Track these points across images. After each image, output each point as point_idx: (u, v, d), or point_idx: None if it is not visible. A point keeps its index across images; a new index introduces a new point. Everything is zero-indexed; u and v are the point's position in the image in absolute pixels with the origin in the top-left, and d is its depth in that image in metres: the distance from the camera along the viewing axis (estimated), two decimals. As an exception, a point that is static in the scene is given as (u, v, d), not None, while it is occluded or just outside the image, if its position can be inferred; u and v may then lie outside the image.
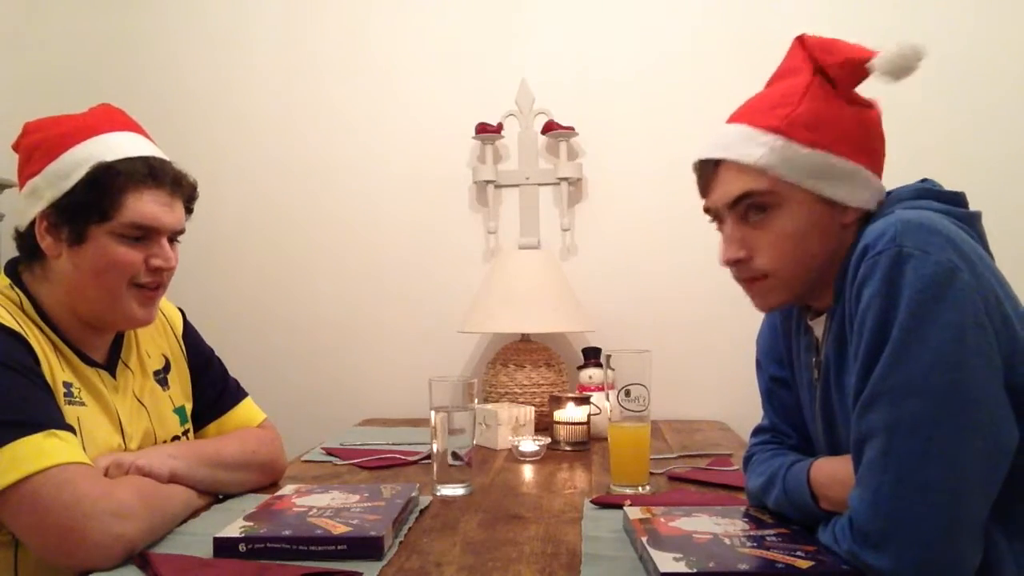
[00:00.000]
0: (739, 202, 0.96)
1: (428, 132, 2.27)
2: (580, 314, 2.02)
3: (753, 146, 0.94)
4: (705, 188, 1.02)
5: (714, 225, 1.05)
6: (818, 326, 1.02)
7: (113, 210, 1.09)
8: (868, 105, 0.97)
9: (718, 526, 0.99)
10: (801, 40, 0.99)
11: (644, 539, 0.93)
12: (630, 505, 1.11)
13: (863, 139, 0.96)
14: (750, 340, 1.97)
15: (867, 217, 0.96)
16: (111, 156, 1.10)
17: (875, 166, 0.97)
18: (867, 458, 0.82)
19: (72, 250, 1.10)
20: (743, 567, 0.84)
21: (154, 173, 1.12)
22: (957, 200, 0.93)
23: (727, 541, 0.93)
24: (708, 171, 1.00)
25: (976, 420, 0.78)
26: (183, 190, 1.18)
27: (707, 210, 1.03)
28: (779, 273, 0.96)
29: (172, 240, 1.18)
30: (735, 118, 1.00)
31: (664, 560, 0.85)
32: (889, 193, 0.97)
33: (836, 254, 0.95)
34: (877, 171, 0.97)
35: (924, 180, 0.97)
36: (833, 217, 0.95)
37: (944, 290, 0.79)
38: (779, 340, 1.15)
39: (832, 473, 0.94)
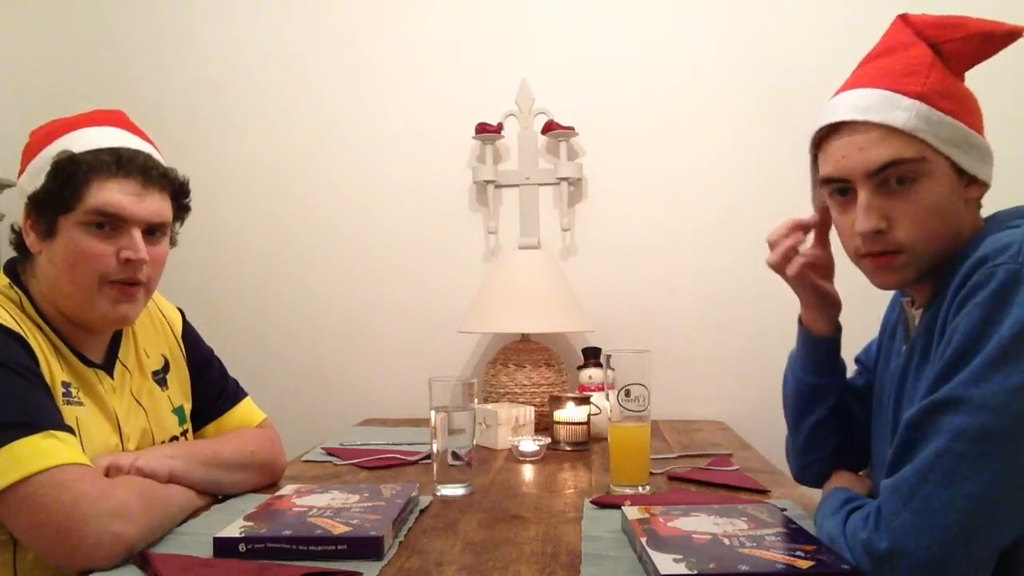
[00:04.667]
0: (884, 170, 0.91)
1: (428, 132, 2.27)
2: (580, 314, 2.02)
3: (897, 110, 0.90)
4: (829, 156, 0.96)
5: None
6: (917, 316, 1.01)
7: (76, 199, 1.08)
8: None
9: (717, 526, 0.99)
10: (905, 19, 0.96)
11: (643, 540, 0.93)
12: (629, 505, 1.10)
13: (978, 114, 0.95)
14: (750, 340, 1.97)
15: (979, 206, 0.96)
16: (78, 148, 1.10)
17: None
18: (920, 454, 0.81)
19: (47, 244, 1.11)
20: (743, 568, 0.84)
21: (121, 162, 1.10)
22: None
23: (726, 541, 0.93)
24: (836, 136, 0.95)
25: None
26: (159, 182, 1.14)
27: (829, 180, 0.97)
28: (915, 248, 0.92)
29: (154, 234, 1.15)
30: (866, 82, 0.95)
31: (664, 561, 0.85)
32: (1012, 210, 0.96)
33: (961, 234, 0.93)
34: None
35: None
36: (961, 192, 0.93)
37: None
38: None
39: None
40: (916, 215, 0.91)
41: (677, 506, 1.10)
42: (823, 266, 1.13)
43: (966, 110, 0.93)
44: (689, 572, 0.83)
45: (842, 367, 1.17)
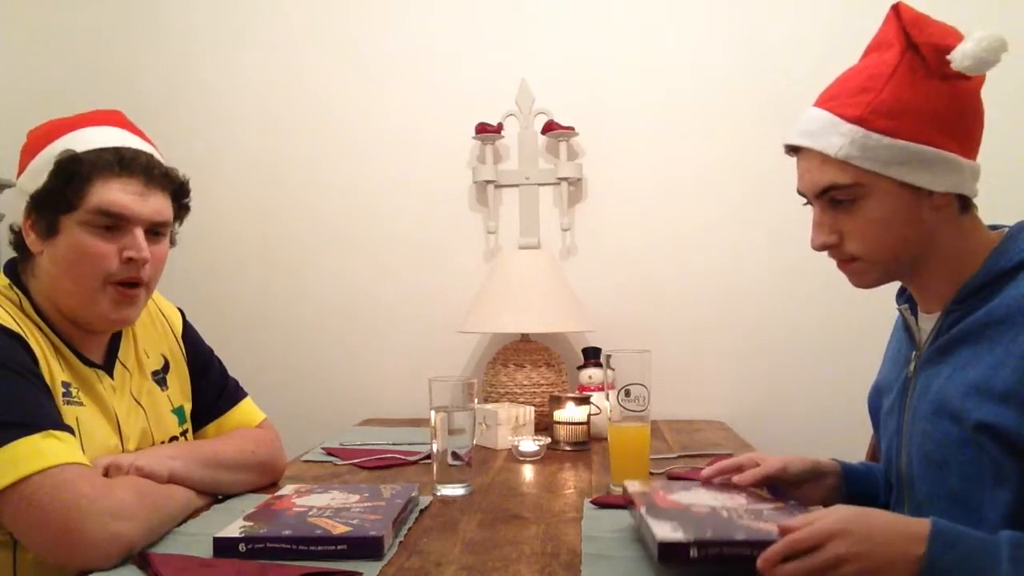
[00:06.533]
0: (826, 192, 0.97)
1: (428, 132, 2.27)
2: (580, 314, 2.02)
3: (834, 136, 0.94)
4: (796, 171, 1.03)
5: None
6: (926, 323, 1.02)
7: (79, 198, 1.08)
8: (966, 77, 0.93)
9: (716, 500, 0.99)
10: (896, 10, 0.96)
11: (642, 509, 0.93)
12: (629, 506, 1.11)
13: (952, 120, 0.94)
14: (750, 340, 1.97)
15: (961, 209, 0.96)
16: (81, 147, 1.10)
17: (966, 146, 0.95)
18: None
19: (48, 244, 1.10)
20: (740, 537, 0.84)
21: (124, 162, 1.10)
22: None
23: (724, 514, 0.93)
24: (793, 155, 1.02)
25: None
26: (161, 181, 1.14)
27: (799, 192, 1.04)
28: (869, 257, 0.97)
29: (155, 234, 1.15)
30: (822, 101, 1.00)
31: (662, 529, 0.86)
32: None
33: (934, 238, 0.95)
34: (969, 151, 0.96)
35: None
36: (919, 202, 0.94)
37: None
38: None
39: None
40: (865, 230, 0.96)
41: (676, 480, 1.09)
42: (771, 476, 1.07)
43: (920, 123, 0.92)
44: (686, 537, 0.83)
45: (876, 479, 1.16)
